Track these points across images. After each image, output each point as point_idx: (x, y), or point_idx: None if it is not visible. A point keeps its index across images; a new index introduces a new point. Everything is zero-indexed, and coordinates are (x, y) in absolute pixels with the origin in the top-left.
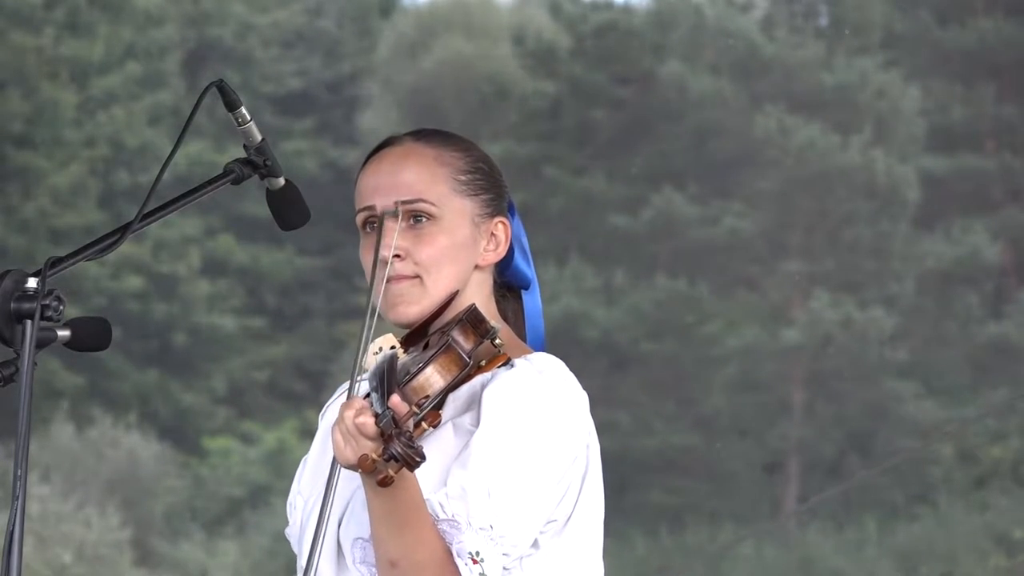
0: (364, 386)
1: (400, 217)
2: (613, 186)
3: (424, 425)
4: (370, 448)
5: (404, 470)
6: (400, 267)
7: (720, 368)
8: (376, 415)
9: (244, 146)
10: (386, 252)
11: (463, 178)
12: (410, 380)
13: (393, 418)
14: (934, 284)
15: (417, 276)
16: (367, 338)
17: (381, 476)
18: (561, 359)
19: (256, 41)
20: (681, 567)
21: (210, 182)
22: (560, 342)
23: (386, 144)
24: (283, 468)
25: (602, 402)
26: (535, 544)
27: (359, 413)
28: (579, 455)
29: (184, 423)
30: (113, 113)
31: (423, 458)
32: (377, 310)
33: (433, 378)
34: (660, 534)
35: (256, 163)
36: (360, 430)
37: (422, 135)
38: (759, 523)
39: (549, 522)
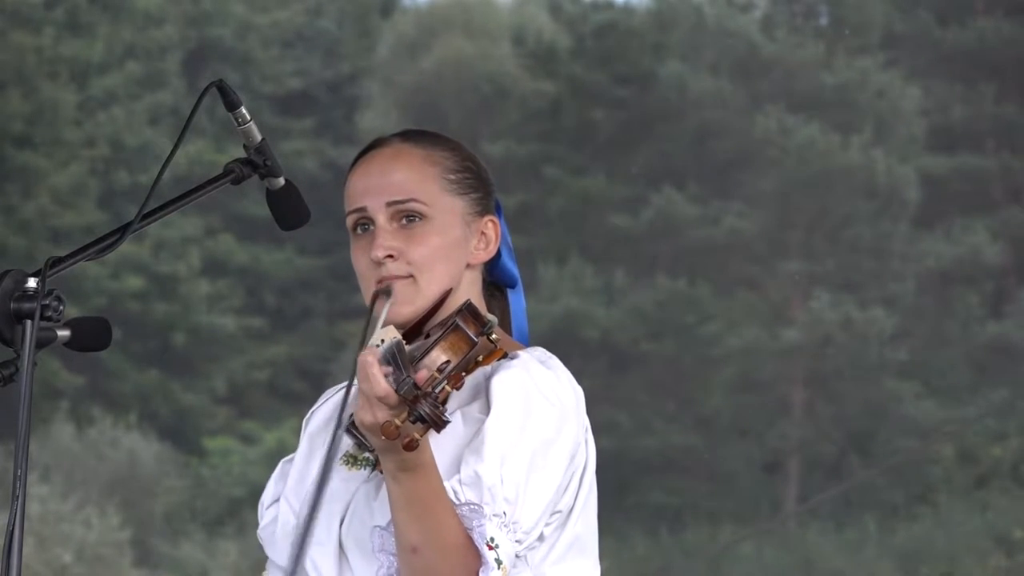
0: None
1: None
2: (613, 186)
3: (447, 388)
4: (391, 415)
5: (426, 447)
6: (393, 267)
7: (720, 368)
8: (395, 383)
9: (244, 146)
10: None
11: (453, 177)
12: (423, 356)
13: (414, 383)
14: (934, 284)
15: (410, 276)
16: (369, 334)
17: (407, 439)
18: (561, 359)
19: (256, 41)
20: (681, 567)
21: (210, 182)
22: (560, 342)
23: (374, 146)
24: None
25: (602, 402)
26: (540, 536)
27: (381, 377)
28: (580, 448)
29: (184, 423)
30: (113, 113)
31: (448, 420)
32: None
33: (444, 355)
34: (660, 534)
35: (256, 163)
36: (381, 396)
37: (410, 136)
38: (759, 523)
39: (555, 512)
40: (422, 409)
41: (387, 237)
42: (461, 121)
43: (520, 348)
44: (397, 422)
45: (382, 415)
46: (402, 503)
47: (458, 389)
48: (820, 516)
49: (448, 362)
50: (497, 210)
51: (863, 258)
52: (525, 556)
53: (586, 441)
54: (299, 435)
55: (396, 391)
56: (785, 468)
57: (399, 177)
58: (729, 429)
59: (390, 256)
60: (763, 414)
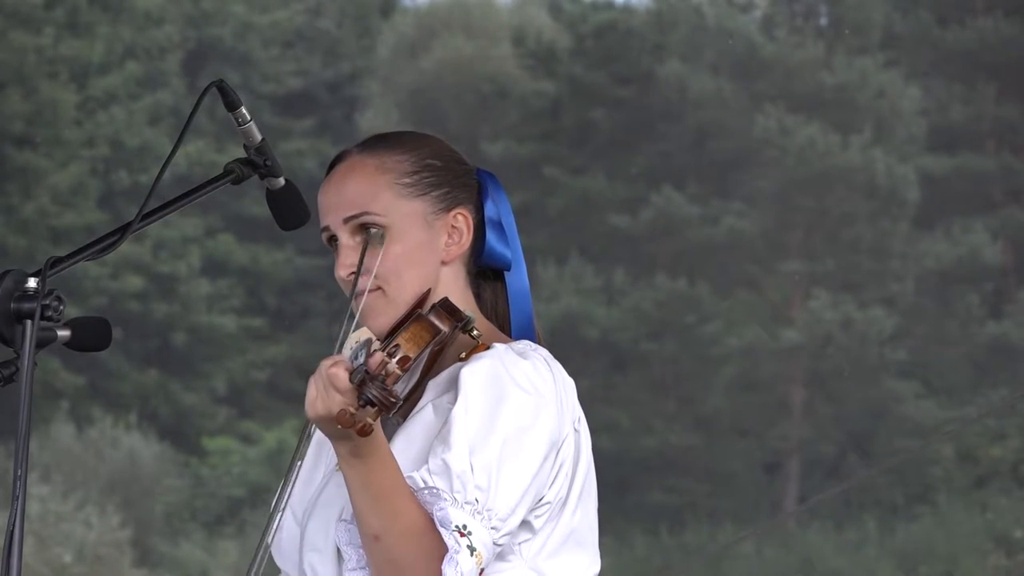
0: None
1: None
2: (613, 186)
3: (397, 370)
4: (342, 402)
5: (378, 433)
6: (360, 282)
7: (720, 368)
8: (349, 371)
9: (244, 146)
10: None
11: (408, 180)
12: (382, 348)
13: (365, 370)
14: (934, 284)
15: (379, 288)
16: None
17: (360, 425)
18: (561, 359)
19: (256, 41)
20: (681, 567)
21: (210, 182)
22: (560, 342)
23: (337, 160)
24: (283, 468)
25: (602, 402)
26: (531, 528)
27: (334, 364)
28: (568, 437)
29: (184, 423)
30: (113, 113)
31: (399, 399)
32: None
33: (405, 344)
34: (660, 534)
35: (256, 163)
36: (332, 381)
37: (367, 145)
38: (759, 523)
39: (543, 504)
40: (369, 392)
41: (348, 254)
42: (461, 121)
43: (507, 341)
44: (351, 409)
45: (337, 403)
46: (359, 489)
47: (405, 371)
48: (820, 516)
49: (397, 346)
50: (487, 191)
51: (863, 258)
52: (519, 549)
53: (577, 431)
54: (298, 435)
55: (349, 378)
56: (785, 468)
57: (351, 191)
58: (729, 429)
59: (354, 272)
60: (763, 414)
